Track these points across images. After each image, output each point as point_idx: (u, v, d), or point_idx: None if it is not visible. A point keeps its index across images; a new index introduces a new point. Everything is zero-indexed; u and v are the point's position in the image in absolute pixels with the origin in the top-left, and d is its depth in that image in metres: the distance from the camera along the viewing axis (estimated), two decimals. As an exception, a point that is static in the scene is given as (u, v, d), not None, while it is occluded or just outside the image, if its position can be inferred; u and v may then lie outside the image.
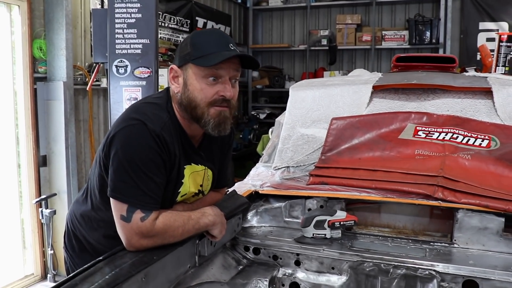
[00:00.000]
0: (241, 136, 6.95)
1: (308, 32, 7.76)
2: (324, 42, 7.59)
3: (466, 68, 5.13)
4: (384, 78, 2.87)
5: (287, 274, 1.95)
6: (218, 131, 1.64)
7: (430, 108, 2.58)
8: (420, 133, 2.41)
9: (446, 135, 2.37)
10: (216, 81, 1.59)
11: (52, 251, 4.13)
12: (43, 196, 4.12)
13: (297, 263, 1.94)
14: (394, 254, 1.88)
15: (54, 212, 4.10)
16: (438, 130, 2.40)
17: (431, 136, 2.38)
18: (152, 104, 1.65)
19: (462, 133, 2.35)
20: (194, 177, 1.74)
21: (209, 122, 1.61)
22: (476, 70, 4.70)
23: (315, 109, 2.68)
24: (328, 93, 2.74)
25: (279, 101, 7.87)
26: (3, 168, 4.03)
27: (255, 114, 7.76)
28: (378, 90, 2.72)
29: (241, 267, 1.93)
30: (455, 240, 1.96)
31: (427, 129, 2.42)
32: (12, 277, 4.04)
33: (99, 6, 4.46)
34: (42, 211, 4.08)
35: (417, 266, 1.79)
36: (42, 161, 4.25)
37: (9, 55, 3.96)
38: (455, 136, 2.35)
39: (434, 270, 1.75)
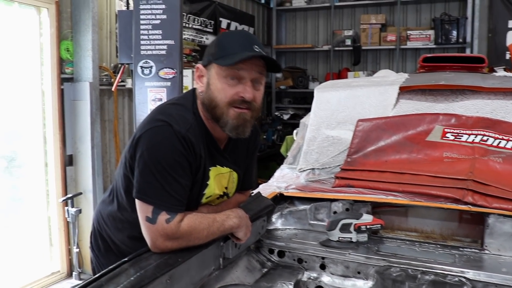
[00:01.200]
0: (264, 137, 6.93)
1: (332, 32, 7.70)
2: (348, 42, 7.52)
3: (495, 68, 5.01)
4: (410, 79, 2.82)
5: (312, 277, 1.92)
6: (236, 133, 1.62)
7: (458, 109, 2.52)
8: (448, 135, 2.36)
9: (475, 137, 2.31)
10: (237, 82, 1.58)
11: (77, 249, 4.18)
12: (69, 195, 4.18)
13: (322, 267, 1.92)
14: (422, 259, 1.83)
15: (80, 211, 4.16)
16: (467, 132, 2.35)
17: (460, 138, 2.33)
18: (177, 106, 1.65)
19: (493, 135, 2.29)
20: (219, 179, 1.73)
21: (227, 122, 1.59)
22: (505, 70, 4.60)
23: (340, 111, 2.65)
24: (354, 94, 2.71)
25: (303, 102, 7.83)
26: (31, 167, 4.11)
27: (279, 114, 7.73)
28: (405, 91, 2.68)
29: (265, 270, 1.91)
30: (486, 246, 1.90)
31: (455, 131, 2.37)
32: (39, 273, 4.11)
33: (124, 8, 4.51)
34: (68, 209, 4.14)
35: (446, 272, 1.74)
36: (68, 161, 4.31)
37: (38, 56, 4.04)
38: (485, 138, 2.30)
39: (464, 277, 1.70)
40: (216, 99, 1.58)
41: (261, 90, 1.65)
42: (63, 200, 4.16)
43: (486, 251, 1.90)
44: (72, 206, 4.15)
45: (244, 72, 1.57)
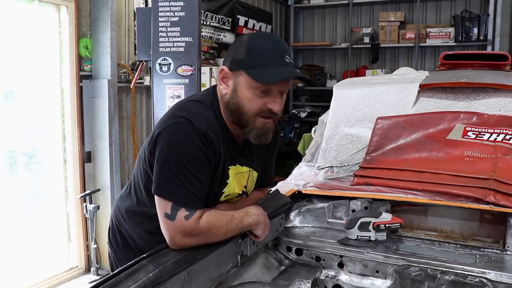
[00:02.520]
0: (282, 134, 6.91)
1: (350, 29, 7.64)
2: (367, 40, 7.44)
3: (517, 66, 4.92)
4: (431, 77, 2.79)
5: (330, 276, 1.91)
6: (260, 141, 1.64)
7: (480, 107, 2.48)
8: (469, 133, 2.32)
9: (497, 136, 2.27)
10: (266, 94, 1.57)
11: (95, 245, 4.22)
12: (87, 192, 4.22)
13: (341, 265, 1.90)
14: (441, 259, 1.81)
15: (98, 207, 4.20)
16: (489, 130, 2.30)
17: (482, 137, 2.29)
18: (197, 103, 1.64)
19: (516, 134, 2.25)
20: (239, 178, 1.73)
21: (252, 131, 1.61)
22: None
23: (359, 108, 2.63)
24: (373, 91, 2.68)
25: (320, 100, 7.80)
26: (50, 163, 4.16)
27: (296, 112, 7.70)
28: (425, 89, 2.64)
29: (283, 267, 1.91)
30: (508, 247, 1.87)
31: (477, 129, 2.33)
32: (58, 269, 4.16)
33: (143, 5, 4.53)
34: (86, 206, 4.18)
35: (466, 272, 1.71)
36: (86, 157, 4.35)
37: (57, 54, 4.08)
38: (507, 137, 2.25)
39: (486, 278, 1.67)
40: (244, 108, 1.58)
41: (285, 96, 1.65)
42: (82, 197, 4.20)
43: (508, 252, 1.86)
44: (90, 203, 4.19)
45: (274, 86, 1.56)
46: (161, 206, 1.52)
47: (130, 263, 1.38)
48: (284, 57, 1.56)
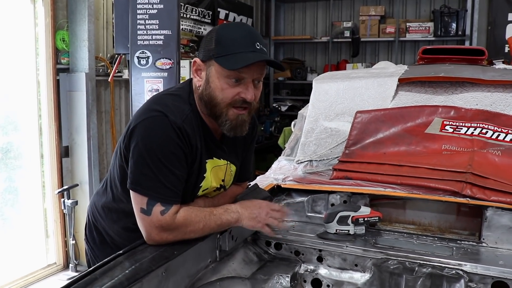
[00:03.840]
0: (262, 128, 6.90)
1: (331, 23, 7.65)
2: (347, 34, 7.46)
3: (494, 61, 4.98)
4: (410, 71, 2.81)
5: (309, 270, 1.91)
6: (234, 133, 1.62)
7: (458, 102, 2.50)
8: (447, 127, 2.34)
9: (474, 130, 2.30)
10: (238, 82, 1.55)
11: (74, 241, 4.17)
12: (65, 187, 4.16)
13: (320, 259, 1.90)
14: (419, 252, 1.82)
15: (76, 203, 4.14)
16: (466, 124, 2.33)
17: (459, 131, 2.31)
18: (174, 96, 1.62)
19: (492, 128, 2.27)
20: (216, 172, 1.71)
21: (225, 123, 1.58)
22: (504, 63, 4.57)
23: (339, 102, 2.63)
24: (353, 85, 2.69)
25: (301, 93, 7.81)
26: (27, 158, 4.08)
27: (277, 106, 7.71)
28: (404, 83, 2.66)
29: (262, 262, 1.90)
30: (483, 239, 1.89)
31: (454, 123, 2.35)
32: (35, 266, 4.10)
33: (121, -3, 4.46)
34: (64, 201, 4.12)
35: (443, 265, 1.73)
36: (64, 152, 4.28)
37: (33, 47, 3.99)
38: (484, 131, 2.28)
39: (462, 270, 1.69)
40: (217, 99, 1.56)
41: (261, 86, 1.63)
42: (59, 192, 4.14)
43: (484, 244, 1.89)
44: (68, 198, 4.13)
45: (246, 74, 1.53)
46: (137, 201, 1.50)
47: (106, 260, 1.37)
48: (254, 44, 1.53)
